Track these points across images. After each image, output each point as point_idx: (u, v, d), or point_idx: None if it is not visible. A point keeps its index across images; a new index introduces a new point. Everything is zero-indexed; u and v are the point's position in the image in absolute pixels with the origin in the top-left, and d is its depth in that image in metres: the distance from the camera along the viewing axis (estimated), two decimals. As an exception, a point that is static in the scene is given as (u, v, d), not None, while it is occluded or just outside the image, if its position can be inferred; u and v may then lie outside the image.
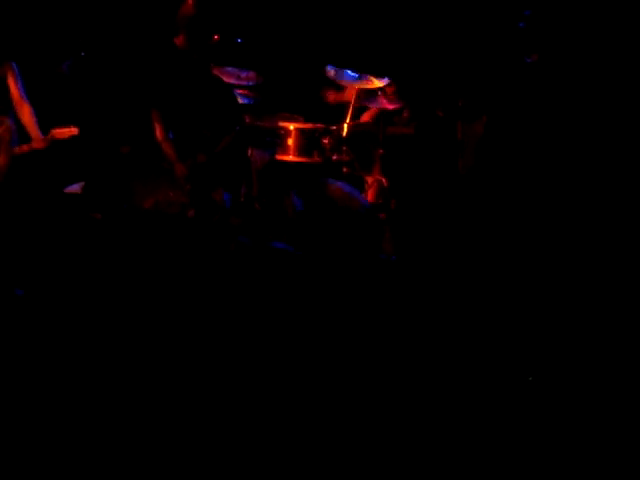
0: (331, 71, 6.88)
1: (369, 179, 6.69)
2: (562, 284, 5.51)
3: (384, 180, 6.65)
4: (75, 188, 6.47)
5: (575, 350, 4.85)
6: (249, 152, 6.53)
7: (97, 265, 5.74)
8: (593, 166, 6.10)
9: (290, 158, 6.61)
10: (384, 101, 6.76)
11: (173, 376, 4.49)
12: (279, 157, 6.59)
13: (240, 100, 6.63)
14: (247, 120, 6.48)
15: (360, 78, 6.82)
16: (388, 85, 6.82)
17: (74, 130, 5.87)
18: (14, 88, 5.87)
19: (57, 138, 5.87)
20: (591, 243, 5.81)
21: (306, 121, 6.76)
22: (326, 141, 6.60)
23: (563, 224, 6.02)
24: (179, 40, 6.04)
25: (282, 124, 6.62)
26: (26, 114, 5.90)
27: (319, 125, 6.68)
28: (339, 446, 3.97)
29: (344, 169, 6.67)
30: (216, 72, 6.51)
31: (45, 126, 5.97)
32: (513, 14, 6.90)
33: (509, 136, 6.65)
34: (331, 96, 7.13)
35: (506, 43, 6.89)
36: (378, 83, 6.78)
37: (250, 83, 6.87)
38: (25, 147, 5.94)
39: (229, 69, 6.77)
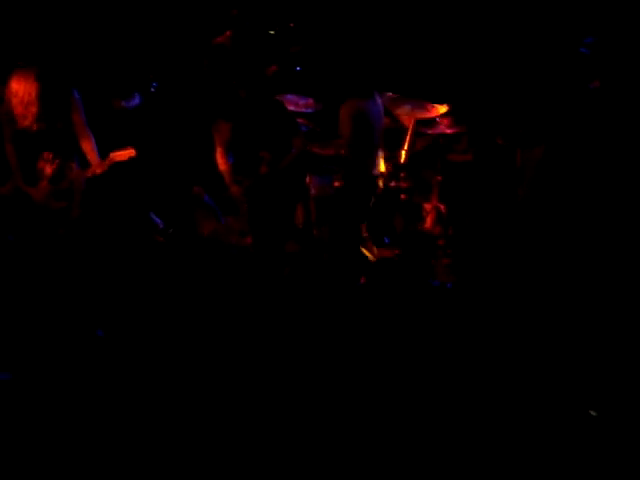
0: (387, 98, 6.88)
1: (427, 206, 6.65)
2: (624, 318, 5.41)
3: (442, 207, 6.61)
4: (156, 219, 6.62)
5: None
6: (307, 179, 6.56)
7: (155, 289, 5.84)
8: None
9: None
10: (443, 127, 6.73)
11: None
12: (337, 184, 6.60)
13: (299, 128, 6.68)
14: (306, 147, 6.52)
15: (418, 107, 6.81)
16: (445, 115, 6.79)
17: (132, 152, 5.95)
18: (77, 117, 6.01)
19: (116, 161, 5.97)
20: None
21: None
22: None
23: (625, 251, 5.91)
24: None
25: (340, 151, 6.62)
26: (87, 142, 6.02)
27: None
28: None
29: (402, 196, 6.64)
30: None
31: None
32: (575, 41, 6.84)
33: (569, 163, 6.57)
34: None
35: (568, 70, 6.83)
36: (434, 113, 6.76)
37: (309, 110, 6.91)
38: (83, 173, 6.02)
39: (288, 96, 6.82)
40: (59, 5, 7.12)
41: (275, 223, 6.20)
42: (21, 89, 5.77)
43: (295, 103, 6.84)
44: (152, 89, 6.97)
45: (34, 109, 5.81)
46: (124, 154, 5.98)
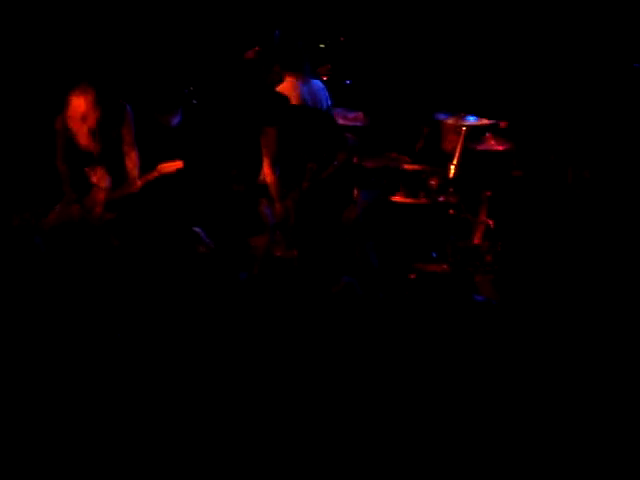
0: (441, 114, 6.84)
1: (475, 221, 6.57)
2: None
3: (491, 222, 6.52)
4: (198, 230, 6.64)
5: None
6: (355, 192, 6.52)
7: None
8: None
9: (396, 199, 6.56)
10: (493, 143, 6.66)
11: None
12: (384, 197, 6.55)
13: (347, 140, 6.66)
14: (354, 160, 6.49)
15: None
16: (494, 132, 6.72)
17: (180, 164, 6.00)
18: (127, 133, 6.08)
19: (163, 173, 6.01)
20: None
21: (413, 162, 6.71)
22: (433, 182, 6.54)
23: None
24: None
25: (389, 164, 6.59)
26: (132, 158, 6.11)
27: (426, 166, 6.63)
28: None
29: (450, 211, 6.57)
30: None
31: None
32: (630, 58, 6.77)
33: (620, 183, 6.48)
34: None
35: (622, 87, 6.75)
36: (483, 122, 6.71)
37: (357, 124, 6.89)
38: (117, 193, 6.10)
39: (337, 110, 6.81)
40: (112, 25, 7.26)
41: (321, 236, 6.18)
42: (78, 105, 5.90)
43: (344, 116, 6.83)
44: (194, 102, 7.04)
45: (89, 124, 5.91)
46: (172, 166, 6.04)
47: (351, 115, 6.85)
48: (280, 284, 6.12)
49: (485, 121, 6.62)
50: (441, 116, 6.85)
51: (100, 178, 6.08)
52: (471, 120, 6.65)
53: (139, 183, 6.07)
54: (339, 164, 6.11)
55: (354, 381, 4.87)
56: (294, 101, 6.46)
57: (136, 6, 7.48)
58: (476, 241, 6.47)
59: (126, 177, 6.12)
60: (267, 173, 6.18)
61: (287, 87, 6.61)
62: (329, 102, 6.75)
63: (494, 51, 7.46)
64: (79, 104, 5.90)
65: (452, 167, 6.59)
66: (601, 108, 6.96)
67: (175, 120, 7.01)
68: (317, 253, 6.23)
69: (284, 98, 6.38)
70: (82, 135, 5.97)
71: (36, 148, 6.73)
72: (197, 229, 6.56)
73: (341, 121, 6.73)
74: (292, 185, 6.15)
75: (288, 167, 6.19)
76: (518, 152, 6.81)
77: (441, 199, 6.55)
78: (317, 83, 6.80)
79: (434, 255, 6.55)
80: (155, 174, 6.04)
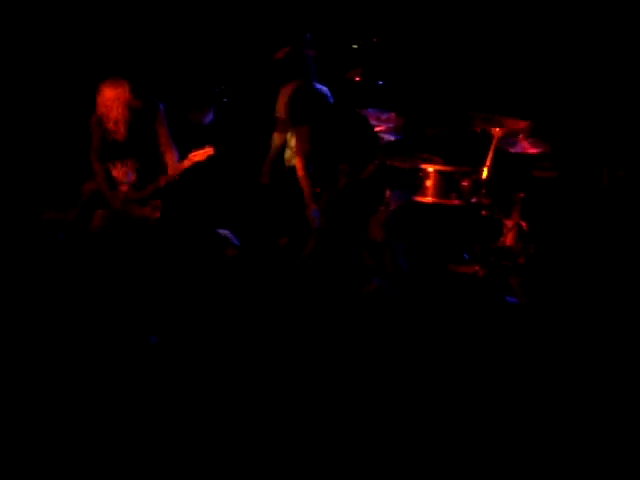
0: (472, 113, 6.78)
1: (508, 223, 6.50)
2: None
3: (524, 224, 6.46)
4: (225, 232, 6.66)
5: None
6: (387, 193, 6.50)
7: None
8: None
9: (428, 200, 6.53)
10: (526, 145, 6.60)
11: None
12: (417, 199, 6.53)
13: (383, 137, 6.65)
14: (386, 161, 6.47)
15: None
16: (527, 134, 6.65)
17: (211, 151, 6.01)
18: (162, 129, 6.11)
19: (195, 161, 6.03)
20: None
21: (445, 163, 6.68)
22: (465, 184, 6.49)
23: None
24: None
25: (421, 165, 6.56)
26: (170, 153, 6.15)
27: (459, 167, 6.59)
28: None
29: (483, 212, 6.52)
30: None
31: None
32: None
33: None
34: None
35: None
36: (517, 125, 6.63)
37: (390, 124, 6.86)
38: (165, 178, 6.13)
39: (370, 110, 6.79)
40: (145, 22, 7.31)
41: (351, 236, 6.17)
42: (111, 100, 5.97)
43: (377, 117, 6.81)
44: (224, 100, 7.07)
45: (122, 119, 5.96)
46: (203, 153, 6.03)
47: (384, 116, 6.82)
48: (312, 285, 6.13)
49: (517, 124, 6.54)
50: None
51: (122, 173, 6.14)
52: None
53: (178, 170, 6.11)
54: (375, 167, 6.09)
55: (381, 380, 4.85)
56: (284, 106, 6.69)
57: (167, 6, 7.52)
58: (508, 243, 6.43)
59: (161, 173, 6.16)
60: (299, 169, 6.19)
61: (287, 91, 6.74)
62: (331, 105, 6.78)
63: (529, 52, 7.39)
64: (110, 92, 5.96)
65: (485, 169, 6.55)
66: (637, 108, 6.89)
67: (207, 118, 7.05)
68: (347, 254, 6.22)
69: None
70: (115, 129, 6.02)
71: (72, 144, 6.82)
72: (225, 231, 6.58)
73: (374, 122, 6.71)
74: (324, 184, 6.15)
75: (320, 166, 6.18)
76: (552, 153, 6.74)
77: (473, 200, 6.51)
78: (322, 88, 6.88)
79: (466, 257, 6.51)
80: (188, 163, 6.05)
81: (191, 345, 5.28)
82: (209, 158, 6.02)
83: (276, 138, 6.99)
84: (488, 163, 6.57)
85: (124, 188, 6.17)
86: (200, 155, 6.03)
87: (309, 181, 6.22)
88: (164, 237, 6.19)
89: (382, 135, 6.71)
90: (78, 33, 7.34)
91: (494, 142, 6.64)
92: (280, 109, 6.95)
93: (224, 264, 6.44)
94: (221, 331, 5.48)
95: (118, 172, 6.16)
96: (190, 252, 6.37)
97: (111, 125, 6.03)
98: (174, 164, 6.12)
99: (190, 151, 6.06)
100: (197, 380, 4.80)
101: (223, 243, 6.56)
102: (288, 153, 6.90)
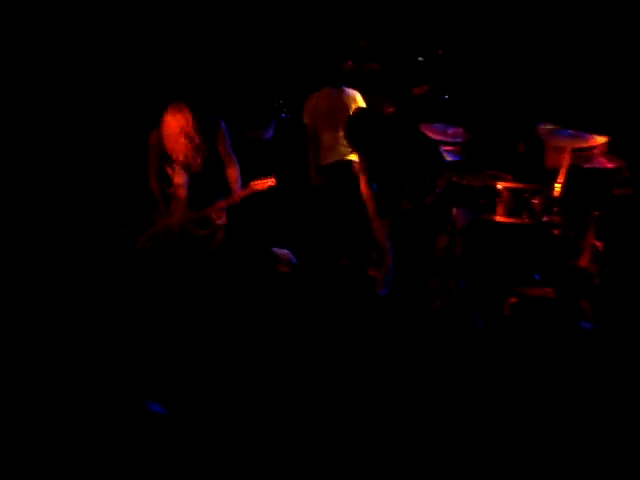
0: (544, 130, 6.52)
1: (583, 243, 6.22)
2: None
3: (599, 244, 6.17)
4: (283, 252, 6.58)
5: None
6: (453, 211, 6.27)
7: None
8: None
9: (497, 219, 6.28)
10: (603, 160, 6.31)
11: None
12: (485, 217, 6.28)
13: (447, 157, 6.43)
14: (453, 178, 6.25)
15: (575, 137, 6.40)
16: (604, 149, 6.37)
17: (272, 181, 5.99)
18: (224, 147, 6.10)
19: (256, 190, 6.00)
20: None
21: (515, 180, 6.42)
22: (536, 201, 6.23)
23: None
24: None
25: (490, 183, 6.32)
26: (233, 171, 6.12)
27: (529, 185, 6.33)
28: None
29: (555, 231, 6.24)
30: (424, 128, 6.37)
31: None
32: None
33: None
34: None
35: None
36: (593, 142, 6.34)
37: (457, 140, 6.66)
38: (223, 202, 6.08)
39: (436, 125, 6.60)
40: (201, 43, 7.31)
41: (416, 255, 6.00)
42: (174, 122, 5.96)
43: (443, 132, 6.61)
44: (283, 115, 7.00)
45: (187, 140, 5.95)
46: (264, 183, 6.03)
47: (450, 131, 6.62)
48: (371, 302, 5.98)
49: (594, 142, 6.25)
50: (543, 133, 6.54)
51: (182, 178, 6.09)
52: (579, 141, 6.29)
53: (237, 198, 6.09)
54: (441, 190, 5.90)
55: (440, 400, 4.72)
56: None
57: (223, 25, 7.50)
58: (583, 264, 6.13)
59: (220, 191, 6.15)
60: (363, 187, 6.04)
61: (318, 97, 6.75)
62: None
63: (600, 64, 7.14)
64: (175, 122, 5.95)
65: (557, 185, 6.26)
66: None
67: (268, 134, 6.98)
68: (412, 275, 6.04)
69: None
70: (179, 152, 5.99)
71: (131, 162, 6.80)
72: (283, 251, 6.52)
73: (440, 137, 6.51)
74: (389, 204, 5.98)
75: (385, 185, 6.02)
76: (629, 169, 6.45)
77: (545, 219, 6.23)
78: (347, 91, 6.85)
79: (537, 278, 6.23)
80: (248, 191, 6.03)
81: (227, 352, 5.22)
82: (270, 189, 5.99)
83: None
84: (561, 180, 6.29)
85: (181, 192, 6.09)
86: (261, 185, 6.06)
87: (373, 200, 6.05)
88: (224, 250, 6.12)
89: (446, 155, 6.49)
90: (142, 51, 7.36)
91: (567, 157, 6.37)
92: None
93: (274, 280, 6.37)
94: (260, 340, 5.41)
95: (178, 177, 6.10)
96: (241, 267, 6.29)
97: (178, 150, 6.00)
98: (236, 180, 6.11)
99: (251, 170, 6.03)
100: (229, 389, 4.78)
101: (275, 260, 6.50)
102: (341, 148, 6.79)
